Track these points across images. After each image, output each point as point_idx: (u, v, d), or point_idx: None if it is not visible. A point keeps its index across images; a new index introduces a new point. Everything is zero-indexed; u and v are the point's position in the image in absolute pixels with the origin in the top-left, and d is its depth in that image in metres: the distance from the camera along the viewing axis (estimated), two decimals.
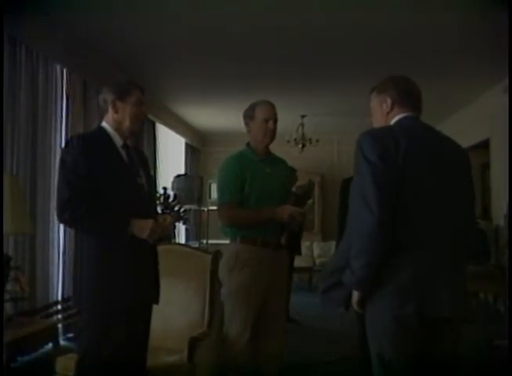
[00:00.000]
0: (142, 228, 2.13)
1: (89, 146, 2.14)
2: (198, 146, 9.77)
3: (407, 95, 2.03)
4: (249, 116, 2.93)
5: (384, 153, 1.82)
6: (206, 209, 8.13)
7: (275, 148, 3.08)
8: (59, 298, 4.40)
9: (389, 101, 2.03)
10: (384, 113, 2.05)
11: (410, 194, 1.84)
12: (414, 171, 1.84)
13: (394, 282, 1.84)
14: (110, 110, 2.24)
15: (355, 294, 1.91)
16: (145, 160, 2.44)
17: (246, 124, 2.95)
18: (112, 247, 2.13)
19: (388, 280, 1.84)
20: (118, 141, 2.25)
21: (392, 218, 1.80)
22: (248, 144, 2.99)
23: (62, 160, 2.17)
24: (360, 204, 1.82)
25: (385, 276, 1.84)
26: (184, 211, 6.88)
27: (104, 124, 2.28)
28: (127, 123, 2.25)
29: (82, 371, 2.17)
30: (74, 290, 2.25)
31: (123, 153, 2.25)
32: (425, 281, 1.84)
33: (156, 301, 2.34)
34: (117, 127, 2.25)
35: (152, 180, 2.48)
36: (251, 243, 2.82)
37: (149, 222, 2.14)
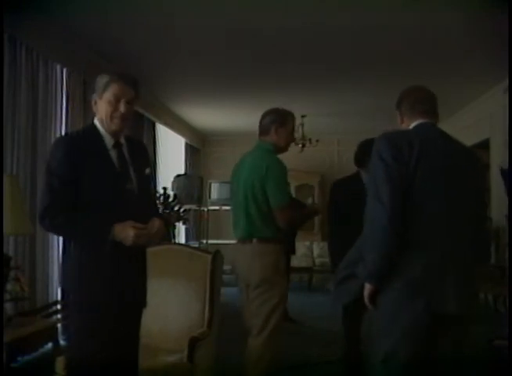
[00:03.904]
0: (124, 237, 2.00)
1: (75, 149, 2.03)
2: (198, 146, 9.76)
3: (416, 103, 2.14)
4: (282, 123, 3.01)
5: (398, 154, 1.93)
6: (206, 209, 8.13)
7: None
8: (59, 298, 4.38)
9: (399, 116, 2.22)
10: (400, 126, 2.22)
11: (421, 193, 1.92)
12: (426, 171, 1.92)
13: (403, 279, 1.89)
14: (94, 109, 2.13)
15: (367, 288, 1.95)
16: (143, 154, 2.26)
17: (279, 129, 3.01)
18: (95, 250, 2.03)
19: (398, 277, 1.89)
20: (109, 140, 2.11)
21: (403, 214, 1.87)
22: (271, 144, 3.01)
23: (47, 164, 2.08)
24: (373, 199, 1.91)
25: (395, 273, 1.89)
26: (184, 211, 6.88)
27: (96, 121, 2.15)
28: (106, 122, 2.09)
29: (70, 373, 2.13)
30: (62, 290, 2.21)
31: (113, 154, 2.11)
32: (434, 279, 1.89)
33: (144, 305, 2.23)
34: (104, 126, 2.11)
35: (147, 180, 2.25)
36: (281, 242, 2.94)
37: (130, 231, 1.99)
